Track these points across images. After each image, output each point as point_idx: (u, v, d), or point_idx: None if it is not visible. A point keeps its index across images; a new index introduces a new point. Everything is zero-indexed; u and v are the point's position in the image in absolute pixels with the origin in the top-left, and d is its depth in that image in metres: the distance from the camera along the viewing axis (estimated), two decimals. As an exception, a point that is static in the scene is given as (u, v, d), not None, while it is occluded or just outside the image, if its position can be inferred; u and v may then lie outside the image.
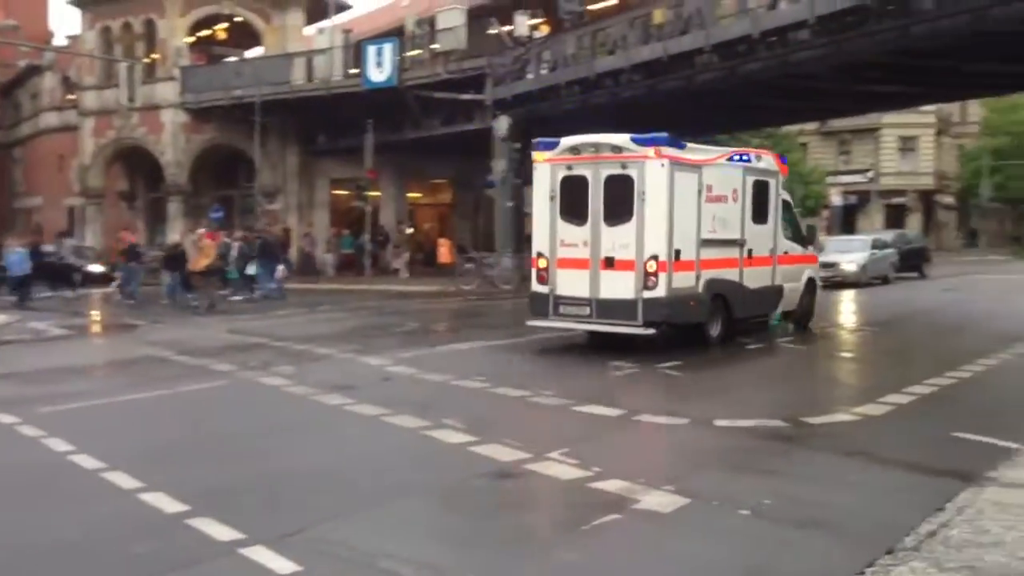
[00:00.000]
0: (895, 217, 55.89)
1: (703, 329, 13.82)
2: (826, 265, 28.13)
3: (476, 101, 30.39)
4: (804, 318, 16.72)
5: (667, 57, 23.85)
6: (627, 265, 13.04)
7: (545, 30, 32.76)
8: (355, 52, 33.03)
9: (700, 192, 13.56)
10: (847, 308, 22.77)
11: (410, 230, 38.95)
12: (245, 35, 39.46)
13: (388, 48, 31.31)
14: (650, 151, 12.93)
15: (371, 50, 31.61)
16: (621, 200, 13.10)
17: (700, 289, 13.58)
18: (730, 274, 14.31)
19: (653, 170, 12.90)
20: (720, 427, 8.47)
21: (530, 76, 28.83)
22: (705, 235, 13.64)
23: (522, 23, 30.63)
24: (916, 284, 30.32)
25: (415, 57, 32.51)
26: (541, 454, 7.36)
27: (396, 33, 33.79)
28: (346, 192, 36.41)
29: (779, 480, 6.89)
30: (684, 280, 13.26)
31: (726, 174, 14.32)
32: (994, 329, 16.93)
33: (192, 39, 38.34)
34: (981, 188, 55.97)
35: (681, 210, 13.13)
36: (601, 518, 5.89)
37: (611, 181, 13.23)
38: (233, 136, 35.96)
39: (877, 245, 31.04)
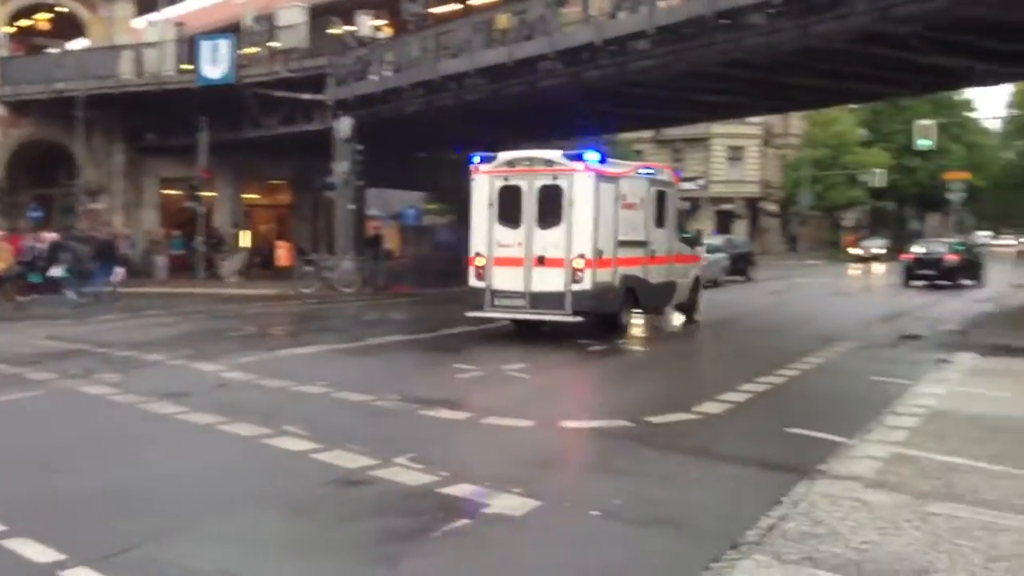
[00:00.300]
0: (724, 223, 58.39)
1: (616, 318, 15.83)
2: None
3: (317, 101, 29.77)
4: (691, 310, 19.02)
5: (512, 62, 23.99)
6: (557, 263, 15.12)
7: (389, 31, 32.47)
8: (188, 47, 31.73)
9: (617, 200, 15.80)
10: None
11: (243, 232, 37.71)
12: (70, 26, 37.33)
13: (224, 44, 30.25)
14: (579, 165, 15.24)
15: (206, 45, 30.46)
16: (552, 207, 15.23)
17: (616, 283, 15.71)
18: (638, 271, 16.55)
19: (581, 181, 15.12)
20: (567, 428, 8.51)
21: (373, 77, 28.46)
22: (621, 237, 15.85)
23: (365, 23, 30.23)
24: (744, 287, 31.65)
25: (253, 54, 31.56)
26: (387, 460, 7.18)
27: (232, 29, 32.69)
28: (178, 192, 34.96)
29: (627, 480, 6.95)
30: (605, 276, 15.39)
31: (636, 185, 16.79)
32: (816, 329, 17.83)
33: (12, 29, 35.97)
34: (801, 196, 59.23)
35: (603, 215, 15.32)
36: (451, 524, 5.77)
37: (544, 190, 15.33)
38: (54, 131, 33.89)
39: (709, 250, 32.28)
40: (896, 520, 5.78)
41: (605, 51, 22.00)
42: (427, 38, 27.55)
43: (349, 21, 30.66)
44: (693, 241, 19.68)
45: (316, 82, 29.65)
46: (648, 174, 17.65)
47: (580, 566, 5.15)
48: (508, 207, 15.57)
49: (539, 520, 5.90)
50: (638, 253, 16.58)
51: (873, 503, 6.14)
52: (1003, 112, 65.33)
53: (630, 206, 16.28)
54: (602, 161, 15.55)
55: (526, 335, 15.90)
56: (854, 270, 44.06)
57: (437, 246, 36.68)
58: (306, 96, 29.76)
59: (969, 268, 32.44)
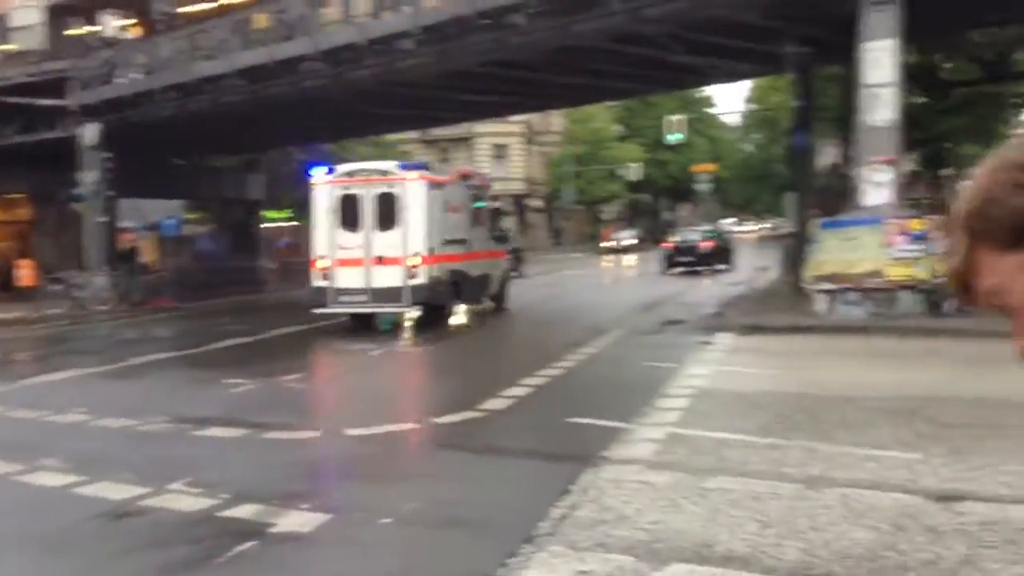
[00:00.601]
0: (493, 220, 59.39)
1: (445, 308, 17.53)
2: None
3: (59, 107, 27.67)
4: (500, 299, 21.24)
5: (272, 62, 23.30)
6: (395, 261, 17.09)
7: (137, 32, 30.66)
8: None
9: (444, 204, 18.02)
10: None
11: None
12: None
13: (-53, 45, 27.59)
14: (412, 174, 17.51)
15: (-76, 47, 27.67)
16: (388, 212, 17.22)
17: (445, 278, 17.74)
18: (462, 266, 18.66)
19: (413, 189, 17.23)
20: (353, 436, 8.27)
21: (122, 80, 26.79)
22: (447, 237, 18.01)
23: (109, 23, 28.40)
24: (516, 282, 32.29)
25: (-17, 58, 29.00)
26: (160, 487, 6.70)
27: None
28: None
29: (418, 484, 6.86)
30: (436, 271, 17.40)
31: (458, 190, 19.27)
32: (587, 320, 18.44)
33: None
34: (564, 192, 61.33)
35: (433, 218, 17.38)
36: (237, 547, 5.44)
37: (381, 198, 17.30)
38: None
39: None
40: (676, 498, 6.01)
41: (370, 51, 21.80)
42: (179, 39, 26.30)
43: (91, 21, 28.73)
44: (502, 239, 22.30)
45: (57, 87, 27.55)
46: (466, 181, 20.42)
47: (374, 575, 5.00)
48: (349, 214, 17.38)
49: (330, 534, 5.68)
50: (460, 250, 18.80)
51: (655, 484, 6.36)
52: (741, 107, 70.24)
53: (454, 209, 18.65)
54: (431, 171, 18.39)
55: (362, 328, 17.68)
56: (606, 262, 45.93)
57: (199, 256, 35.16)
58: (47, 102, 27.59)
59: (721, 254, 34.82)
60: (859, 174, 14.30)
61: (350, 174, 18.00)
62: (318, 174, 18.00)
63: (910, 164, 49.54)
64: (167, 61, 25.88)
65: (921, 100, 26.34)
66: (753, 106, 56.67)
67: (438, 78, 22.79)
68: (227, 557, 5.33)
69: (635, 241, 56.49)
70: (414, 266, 17.01)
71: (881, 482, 6.21)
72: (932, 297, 14.16)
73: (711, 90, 74.21)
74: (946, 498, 5.72)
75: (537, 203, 67.45)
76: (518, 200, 64.43)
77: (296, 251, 42.28)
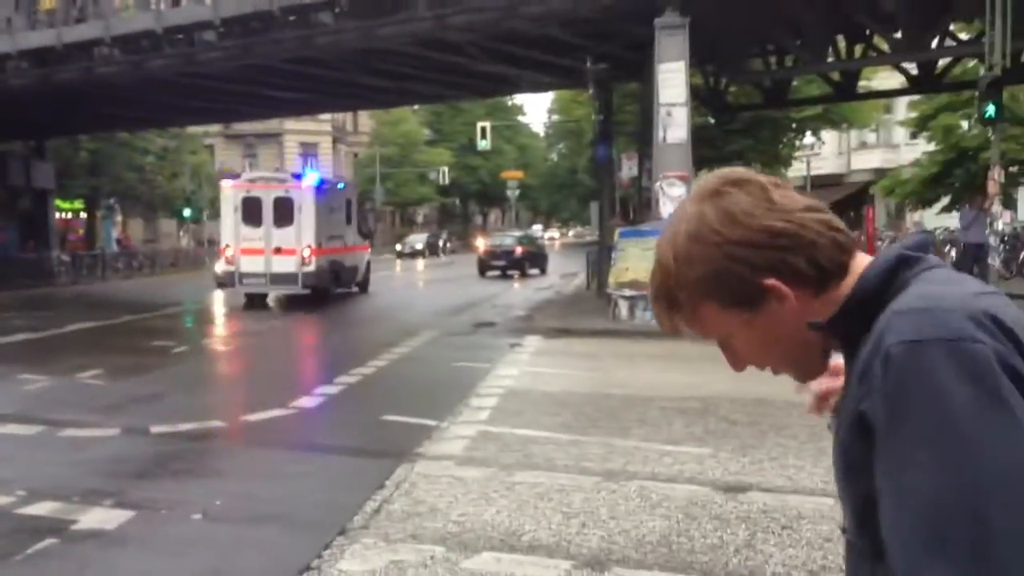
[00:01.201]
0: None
1: (328, 291, 22.21)
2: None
3: None
4: (364, 286, 25.78)
5: (62, 46, 22.06)
6: (290, 252, 21.16)
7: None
8: None
9: (328, 207, 22.43)
10: (264, 307, 23.21)
11: None
12: None
13: None
14: (302, 183, 22.08)
15: None
16: (284, 212, 21.39)
17: (327, 266, 21.95)
18: (339, 257, 23.09)
19: (305, 194, 21.65)
20: (158, 434, 8.05)
21: None
22: (329, 233, 22.29)
23: None
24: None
25: None
26: (-53, 487, 6.33)
27: None
28: None
29: (227, 480, 6.79)
30: (322, 261, 21.60)
31: (338, 195, 24.20)
32: (400, 321, 18.57)
33: None
34: (375, 193, 60.99)
35: (320, 218, 21.58)
36: (36, 545, 5.25)
37: (278, 200, 21.60)
38: None
39: None
40: (487, 492, 6.26)
41: (169, 40, 21.07)
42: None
43: None
44: (367, 235, 26.92)
45: None
46: (342, 187, 25.58)
47: (185, 571, 4.95)
48: (251, 212, 21.46)
49: (136, 530, 5.57)
50: (338, 244, 23.18)
51: (466, 478, 6.58)
52: (546, 118, 72.23)
53: (333, 211, 23.02)
54: (322, 180, 23.35)
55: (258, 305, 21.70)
56: (399, 266, 45.94)
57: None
58: None
59: (534, 259, 35.75)
60: (656, 188, 15.10)
61: (252, 180, 23.22)
62: (226, 180, 23.71)
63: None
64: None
65: (711, 121, 28.04)
66: (557, 117, 58.28)
67: (242, 72, 22.31)
68: (25, 555, 5.13)
69: (422, 247, 55.92)
70: (305, 257, 21.15)
71: (675, 475, 6.67)
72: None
73: (521, 98, 75.91)
74: (732, 489, 6.23)
75: (345, 204, 66.81)
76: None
77: (88, 244, 40.15)
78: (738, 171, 1.27)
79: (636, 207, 20.68)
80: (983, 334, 1.03)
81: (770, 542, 5.23)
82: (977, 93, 14.07)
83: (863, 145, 51.63)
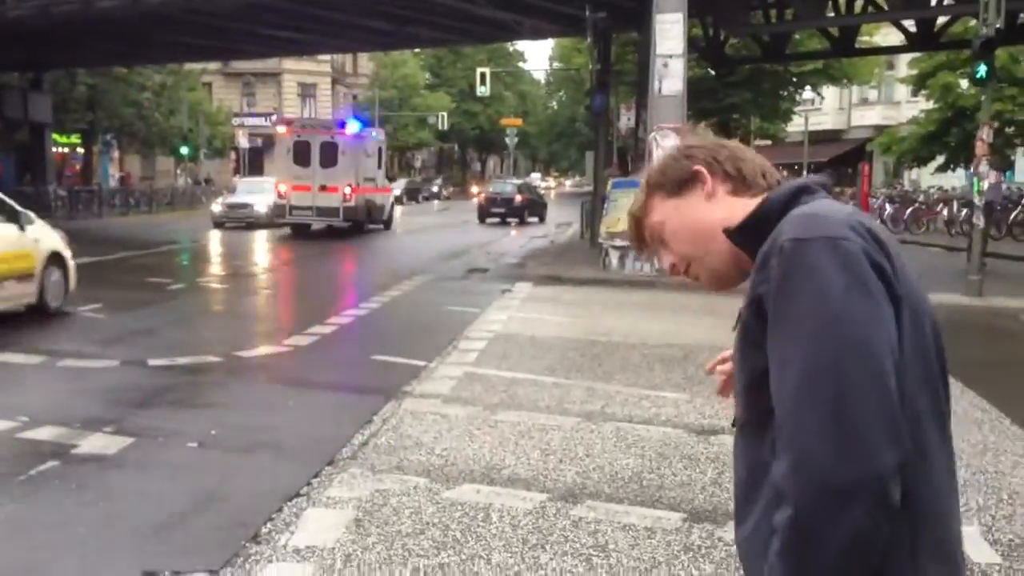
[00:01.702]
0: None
1: (363, 225, 26.70)
2: (238, 206, 28.55)
3: None
4: (388, 223, 29.29)
5: (62, -23, 22.01)
6: (334, 189, 25.34)
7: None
8: None
9: (365, 152, 26.57)
10: (264, 247, 23.42)
11: None
12: None
13: None
14: (345, 130, 26.22)
15: None
16: (329, 155, 25.58)
17: (362, 204, 26.12)
18: (372, 196, 27.03)
19: (347, 140, 25.78)
20: (155, 366, 8.32)
21: None
22: (365, 175, 26.44)
23: None
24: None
25: None
26: (-49, 410, 6.60)
27: None
28: None
29: (222, 412, 7.06)
30: (360, 199, 25.83)
31: (372, 142, 27.99)
32: (394, 264, 18.81)
33: None
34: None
35: (359, 161, 25.83)
36: (39, 467, 5.52)
37: (324, 144, 25.78)
38: None
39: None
40: (470, 429, 6.54)
41: (167, -27, 21.01)
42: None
43: None
44: (391, 178, 33.62)
45: None
46: (376, 136, 29.20)
47: (179, 493, 5.22)
48: (301, 154, 25.75)
49: (134, 455, 5.84)
50: (371, 185, 27.28)
51: (451, 416, 6.86)
52: (547, 65, 71.70)
53: (368, 156, 26.97)
54: (364, 125, 28.03)
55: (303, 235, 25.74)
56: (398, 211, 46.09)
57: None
58: None
59: (534, 207, 35.89)
60: (650, 139, 15.22)
61: (303, 126, 28.39)
62: (279, 125, 28.36)
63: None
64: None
65: (712, 73, 28.02)
66: (558, 65, 57.93)
67: (242, 10, 22.21)
68: (28, 475, 5.40)
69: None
70: (347, 194, 25.34)
71: (651, 418, 6.95)
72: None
73: (522, 45, 75.29)
74: (704, 431, 6.51)
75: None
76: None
77: (84, 179, 40.15)
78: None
79: (633, 157, 20.77)
80: (856, 236, 1.31)
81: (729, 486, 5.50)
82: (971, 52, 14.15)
83: (864, 101, 51.44)
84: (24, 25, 24.04)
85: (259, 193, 29.91)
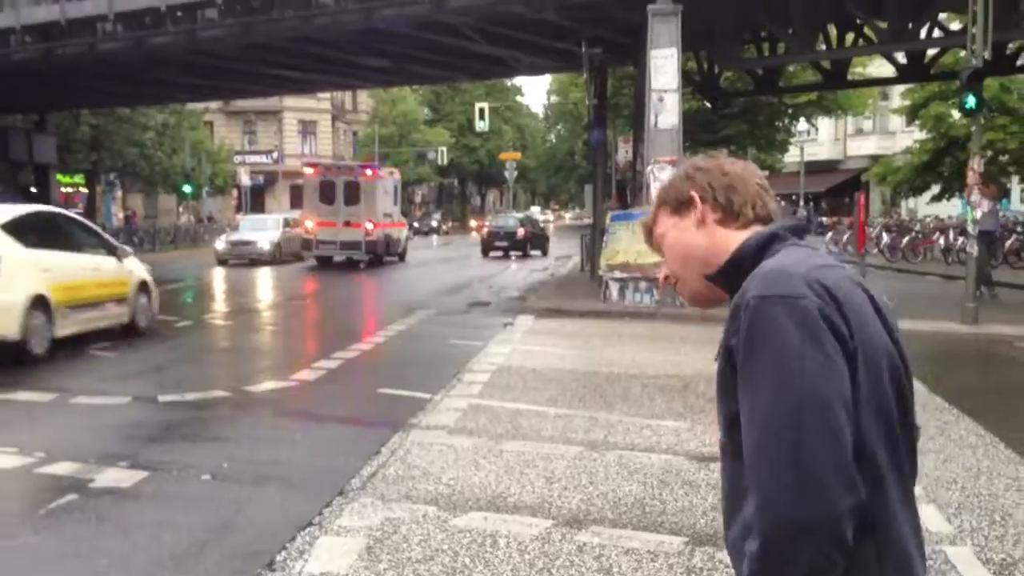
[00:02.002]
0: (299, 198, 58.67)
1: (382, 258, 29.18)
2: (241, 243, 28.79)
3: None
4: (403, 255, 31.11)
5: (65, 21, 22.40)
6: (357, 225, 27.84)
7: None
8: None
9: (384, 190, 29.38)
10: (267, 284, 23.62)
11: None
12: None
13: None
14: (367, 171, 29.37)
15: None
16: (352, 194, 28.24)
17: (383, 238, 28.73)
18: (389, 231, 29.74)
19: (367, 180, 28.63)
20: (165, 402, 8.49)
21: None
22: (384, 211, 29.21)
23: None
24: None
25: None
26: (-30, 447, 6.77)
27: None
28: None
29: (233, 445, 7.21)
30: (379, 233, 28.44)
31: (389, 182, 30.58)
32: (397, 299, 18.99)
33: None
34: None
35: (378, 200, 28.53)
36: (58, 500, 5.68)
37: (347, 184, 28.45)
38: None
39: (288, 224, 32.29)
40: (476, 458, 6.70)
41: (172, 17, 21.38)
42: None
43: None
44: (405, 214, 36.61)
45: None
46: (392, 176, 31.85)
47: (193, 525, 5.36)
48: (326, 194, 28.44)
49: (150, 488, 6.00)
50: (388, 221, 29.80)
51: (457, 446, 7.03)
52: (545, 99, 72.33)
53: (386, 194, 29.68)
54: (379, 170, 30.68)
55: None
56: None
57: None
58: None
59: (536, 240, 36.20)
60: (647, 172, 15.48)
61: (328, 168, 31.42)
62: (309, 168, 31.15)
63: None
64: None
65: (708, 106, 28.38)
66: (556, 99, 58.45)
67: (243, 50, 22.62)
68: (48, 509, 5.56)
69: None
70: (368, 230, 27.88)
71: (653, 446, 7.12)
72: (709, 287, 15.57)
73: (520, 79, 75.98)
74: (704, 459, 6.66)
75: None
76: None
77: (88, 219, 40.44)
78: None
79: (632, 190, 21.05)
80: (812, 295, 1.48)
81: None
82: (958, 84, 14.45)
83: (859, 132, 51.93)
84: (28, 68, 24.43)
85: (262, 230, 30.23)
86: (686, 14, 15.41)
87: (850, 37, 19.58)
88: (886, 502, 1.49)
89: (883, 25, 17.57)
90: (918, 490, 4.92)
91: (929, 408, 8.30)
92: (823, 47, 19.98)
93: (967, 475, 6.29)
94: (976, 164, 13.36)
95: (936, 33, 18.46)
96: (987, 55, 13.15)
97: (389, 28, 19.67)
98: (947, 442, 7.14)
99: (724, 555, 4.73)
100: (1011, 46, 18.52)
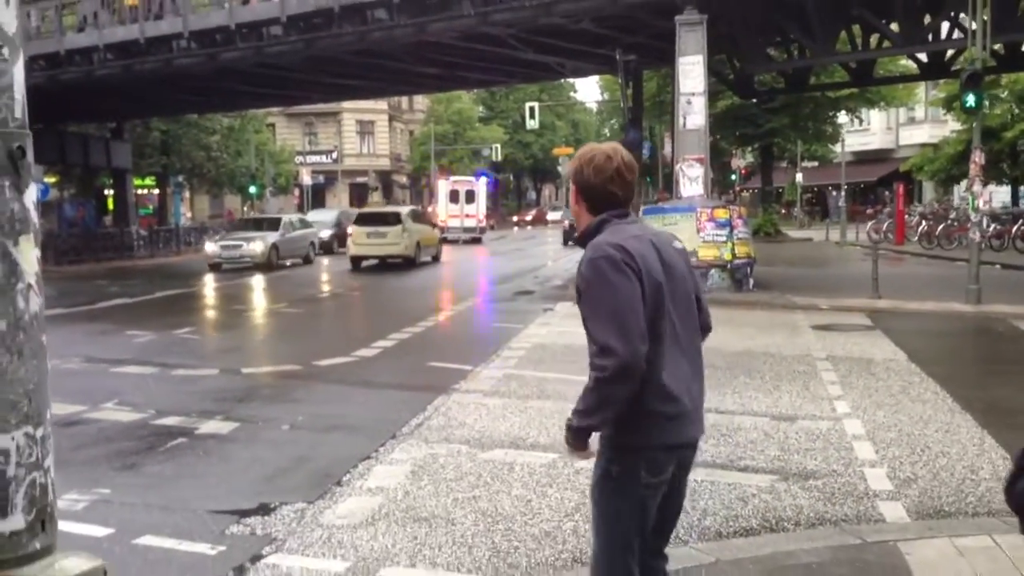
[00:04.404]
0: (359, 195, 60.70)
1: (480, 238, 44.68)
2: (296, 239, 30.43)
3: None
4: (438, 255, 30.64)
5: (144, 40, 24.24)
6: (473, 216, 45.23)
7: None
8: None
9: (487, 193, 49.96)
10: (325, 277, 25.31)
11: None
12: None
13: None
14: (479, 180, 48.49)
15: None
16: (471, 196, 45.34)
17: (488, 226, 49.60)
18: (490, 221, 53.80)
19: (480, 186, 47.00)
20: (247, 373, 10.09)
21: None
22: (488, 207, 50.58)
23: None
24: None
25: None
26: (95, 405, 8.40)
27: None
28: None
29: (305, 405, 8.73)
30: (486, 223, 48.33)
31: (490, 186, 54.37)
32: (452, 289, 20.46)
33: None
34: (431, 170, 62.98)
35: (487, 199, 49.38)
36: (171, 443, 7.25)
37: (467, 191, 45.35)
38: None
39: (302, 225, 31.44)
40: (504, 413, 8.12)
41: (240, 34, 23.09)
42: (47, 9, 26.78)
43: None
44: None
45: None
46: (493, 181, 54.28)
47: (281, 458, 6.86)
48: (453, 197, 44.65)
49: (242, 434, 7.55)
50: (487, 213, 48.96)
51: (489, 405, 8.45)
52: (597, 94, 73.32)
53: (489, 195, 51.06)
54: (489, 179, 52.95)
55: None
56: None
57: (66, 221, 35.40)
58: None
59: None
60: (677, 169, 16.73)
61: (456, 181, 46.51)
62: (444, 180, 47.69)
63: (749, 157, 53.48)
64: (34, 31, 26.31)
65: (751, 102, 29.41)
66: (606, 96, 59.56)
67: (305, 62, 24.28)
68: (165, 448, 7.12)
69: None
70: (481, 220, 45.65)
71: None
72: (736, 275, 16.81)
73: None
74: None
75: (403, 180, 68.95)
76: (385, 176, 65.78)
77: (160, 219, 42.78)
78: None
79: (665, 187, 22.31)
80: (615, 251, 2.88)
81: (709, 443, 7.01)
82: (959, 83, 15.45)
83: (911, 121, 52.16)
84: (109, 82, 26.41)
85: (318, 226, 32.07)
86: (713, 22, 16.63)
87: (875, 39, 20.55)
88: (659, 352, 2.89)
89: (895, 28, 18.56)
90: (861, 429, 6.39)
91: (902, 372, 9.56)
92: (849, 48, 20.98)
93: (909, 421, 7.55)
94: (978, 157, 14.40)
95: (956, 33, 19.32)
96: (988, 56, 14.15)
97: (439, 40, 21.16)
98: (904, 397, 8.40)
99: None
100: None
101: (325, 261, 30.35)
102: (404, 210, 28.68)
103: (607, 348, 2.80)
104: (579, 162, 3.11)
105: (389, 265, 26.75)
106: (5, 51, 1.45)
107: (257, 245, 26.87)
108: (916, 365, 9.84)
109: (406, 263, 26.42)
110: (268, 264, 26.58)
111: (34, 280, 1.48)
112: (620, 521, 3.05)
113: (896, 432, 7.20)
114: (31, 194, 1.47)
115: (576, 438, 2.98)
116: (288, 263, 28.11)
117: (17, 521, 1.41)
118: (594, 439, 3.01)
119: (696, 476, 6.11)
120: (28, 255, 1.46)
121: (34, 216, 1.50)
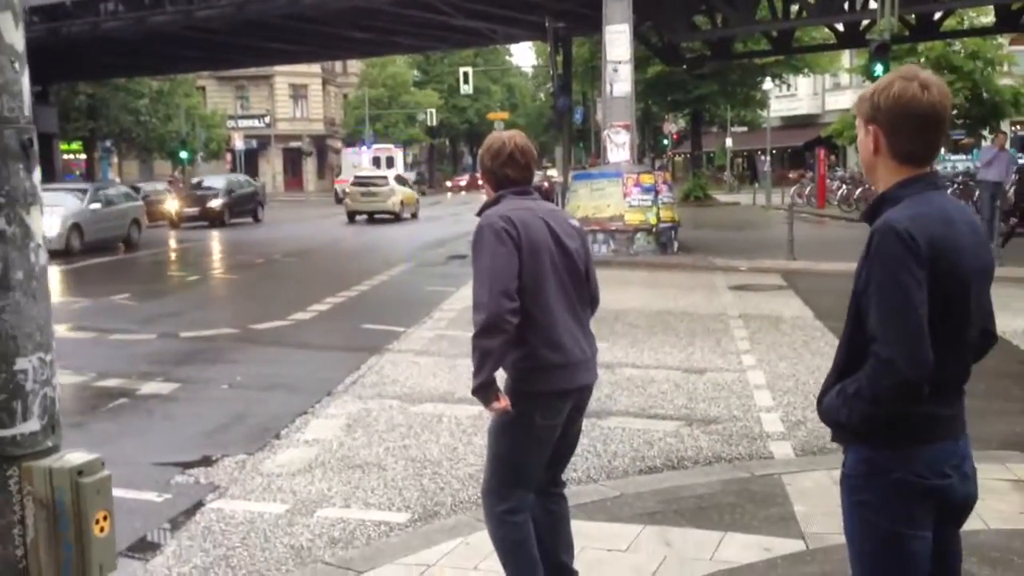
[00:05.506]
0: (293, 161, 60.24)
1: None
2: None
3: None
4: (416, 213, 34.07)
5: (70, 2, 23.98)
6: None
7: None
8: None
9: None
10: (259, 240, 25.42)
11: None
12: None
13: None
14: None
15: None
16: (391, 164, 48.68)
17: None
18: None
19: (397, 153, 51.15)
20: (186, 337, 10.40)
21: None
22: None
23: None
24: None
25: None
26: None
27: None
28: None
29: (244, 366, 9.10)
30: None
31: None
32: (382, 255, 20.82)
33: None
34: (366, 134, 62.74)
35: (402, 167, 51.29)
36: (115, 402, 7.59)
37: (387, 157, 50.58)
38: None
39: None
40: (435, 370, 8.60)
41: (170, -1, 23.00)
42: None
43: None
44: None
45: None
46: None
47: (219, 415, 7.25)
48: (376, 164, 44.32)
49: (183, 394, 7.91)
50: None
51: (420, 363, 8.92)
52: (532, 59, 73.57)
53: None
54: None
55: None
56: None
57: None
58: None
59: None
60: (604, 135, 17.25)
61: (378, 148, 50.79)
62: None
63: (680, 122, 54.31)
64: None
65: (681, 68, 30.01)
66: (540, 61, 59.88)
67: (237, 26, 24.23)
68: (108, 408, 7.46)
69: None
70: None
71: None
72: (660, 238, 17.43)
73: (506, 40, 76.94)
74: (611, 366, 8.53)
75: (338, 145, 68.57)
76: (319, 141, 65.34)
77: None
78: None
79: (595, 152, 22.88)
80: (501, 222, 3.36)
81: (624, 394, 7.58)
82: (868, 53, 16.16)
83: (836, 86, 53.40)
84: (35, 45, 25.93)
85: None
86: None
87: (795, 9, 21.23)
88: (546, 310, 3.36)
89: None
90: (762, 380, 7.02)
91: (807, 328, 10.26)
92: (770, 18, 21.63)
93: (806, 371, 8.20)
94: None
95: (873, 4, 20.03)
96: (899, 25, 14.85)
97: (372, 6, 21.31)
98: (805, 351, 9.07)
99: (601, 423, 6.63)
100: (939, 14, 20.18)
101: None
102: (391, 174, 35.84)
103: (477, 304, 3.30)
104: (482, 149, 3.62)
105: (330, 230, 27.12)
106: (17, 65, 1.89)
107: None
108: (820, 321, 10.54)
109: (394, 218, 31.85)
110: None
111: (41, 240, 1.97)
112: (512, 455, 3.53)
113: (793, 382, 7.84)
114: (37, 174, 1.96)
115: (478, 395, 3.44)
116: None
117: (34, 424, 1.90)
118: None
119: (609, 424, 6.73)
120: (36, 222, 1.95)
121: (39, 191, 1.99)
